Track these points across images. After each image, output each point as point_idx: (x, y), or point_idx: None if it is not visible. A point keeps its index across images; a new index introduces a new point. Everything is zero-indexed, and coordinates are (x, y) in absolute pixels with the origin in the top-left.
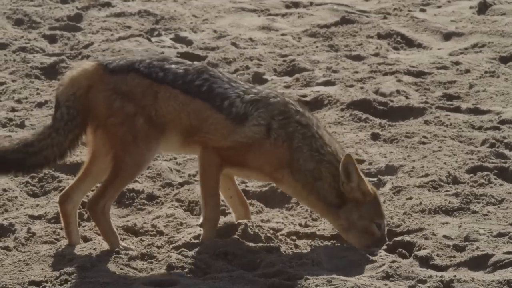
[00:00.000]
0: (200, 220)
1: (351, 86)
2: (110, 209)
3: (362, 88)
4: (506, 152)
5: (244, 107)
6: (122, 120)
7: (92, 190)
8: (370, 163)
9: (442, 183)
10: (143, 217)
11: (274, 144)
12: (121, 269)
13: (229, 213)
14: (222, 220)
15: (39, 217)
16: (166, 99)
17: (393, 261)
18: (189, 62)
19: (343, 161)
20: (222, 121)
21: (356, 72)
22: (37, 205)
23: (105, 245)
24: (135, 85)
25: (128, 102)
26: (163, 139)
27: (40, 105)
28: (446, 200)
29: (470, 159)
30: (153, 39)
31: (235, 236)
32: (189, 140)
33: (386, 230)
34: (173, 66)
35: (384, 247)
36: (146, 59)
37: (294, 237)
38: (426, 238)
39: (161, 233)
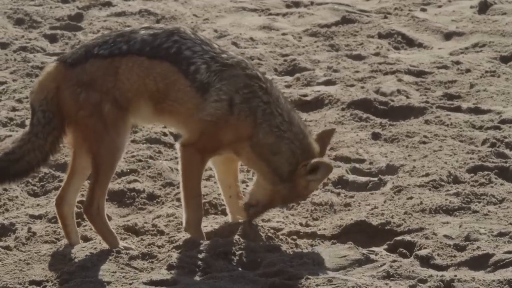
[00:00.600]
0: (183, 224)
1: (352, 85)
2: (104, 209)
3: (362, 87)
4: (507, 151)
5: (208, 76)
6: (90, 111)
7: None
8: (371, 163)
9: (442, 183)
10: (143, 217)
11: (238, 119)
12: (122, 268)
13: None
14: (223, 219)
15: (39, 217)
16: (129, 70)
17: (394, 261)
18: (160, 26)
19: (320, 161)
20: (187, 88)
21: (357, 71)
22: (38, 205)
23: (105, 245)
24: (94, 70)
25: (92, 91)
26: (131, 115)
27: None
28: (446, 199)
29: (470, 158)
30: None
31: (236, 235)
32: (159, 109)
33: None
34: (141, 33)
35: (385, 246)
36: (109, 39)
37: (294, 237)
38: (426, 238)
39: (161, 233)
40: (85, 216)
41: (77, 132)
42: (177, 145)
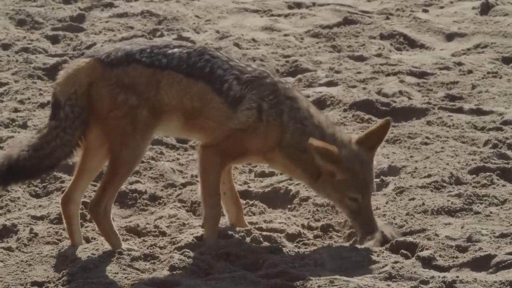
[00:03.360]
0: (202, 220)
1: (354, 86)
2: (111, 210)
3: (364, 88)
4: (509, 152)
5: (240, 89)
6: (125, 112)
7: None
8: None
9: (444, 184)
10: (145, 218)
11: (267, 125)
12: (124, 269)
13: None
14: (224, 220)
15: (41, 218)
16: (170, 85)
17: (396, 262)
18: (189, 44)
19: (312, 145)
20: (221, 105)
21: (359, 72)
22: (40, 206)
23: (107, 246)
24: (137, 76)
25: (131, 94)
26: (159, 126)
27: (42, 105)
28: (448, 200)
29: (472, 159)
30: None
31: (238, 236)
32: (189, 123)
33: (369, 199)
34: (176, 50)
35: (387, 247)
36: (146, 48)
37: (296, 238)
38: (428, 239)
39: (163, 234)
40: (90, 215)
41: (104, 130)
42: (197, 146)
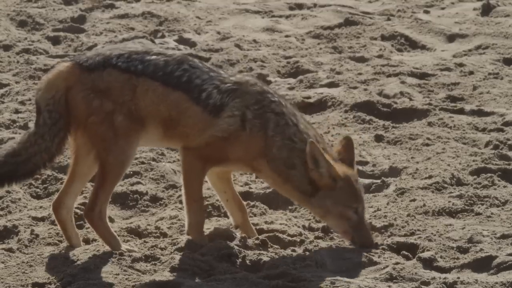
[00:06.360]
0: (185, 227)
1: (355, 87)
2: (106, 213)
3: (365, 89)
4: (510, 154)
5: (220, 98)
6: (102, 118)
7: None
8: (374, 165)
9: (445, 185)
10: (146, 219)
11: (250, 134)
12: (125, 271)
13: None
14: (226, 221)
15: (42, 219)
16: (145, 92)
17: (397, 263)
18: (170, 52)
19: (308, 148)
20: (199, 114)
21: (360, 73)
22: (41, 207)
23: (108, 247)
24: (112, 81)
25: (106, 99)
26: (143, 132)
27: None
28: (449, 201)
29: (473, 160)
30: (156, 40)
31: (239, 237)
32: (169, 134)
33: (364, 213)
34: (153, 57)
35: (388, 248)
36: (124, 53)
37: (297, 239)
38: (429, 240)
39: (164, 235)
40: (86, 221)
41: (86, 137)
42: (179, 148)
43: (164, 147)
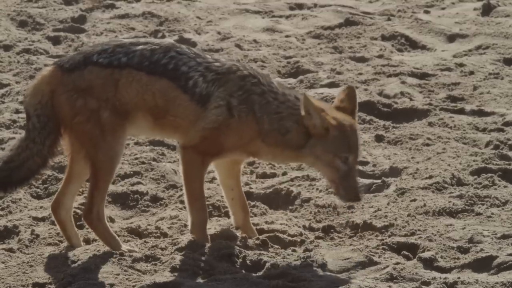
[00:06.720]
0: (188, 226)
1: (355, 87)
2: (104, 213)
3: (366, 89)
4: (510, 154)
5: (206, 87)
6: (87, 116)
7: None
8: (374, 165)
9: (446, 185)
10: (147, 219)
11: (239, 120)
12: (125, 271)
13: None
14: (226, 221)
15: (43, 219)
16: (129, 83)
17: (397, 263)
18: (158, 41)
19: (303, 103)
20: (187, 102)
21: (360, 73)
22: (41, 207)
23: (108, 248)
24: (93, 78)
25: (90, 97)
26: (129, 124)
27: None
28: (450, 202)
29: (474, 161)
30: None
31: (239, 237)
32: (159, 123)
33: (356, 164)
34: (139, 47)
35: (388, 249)
36: (108, 48)
37: (298, 239)
38: (430, 240)
39: (165, 235)
40: (85, 223)
41: (74, 137)
42: (178, 147)
43: (160, 138)
